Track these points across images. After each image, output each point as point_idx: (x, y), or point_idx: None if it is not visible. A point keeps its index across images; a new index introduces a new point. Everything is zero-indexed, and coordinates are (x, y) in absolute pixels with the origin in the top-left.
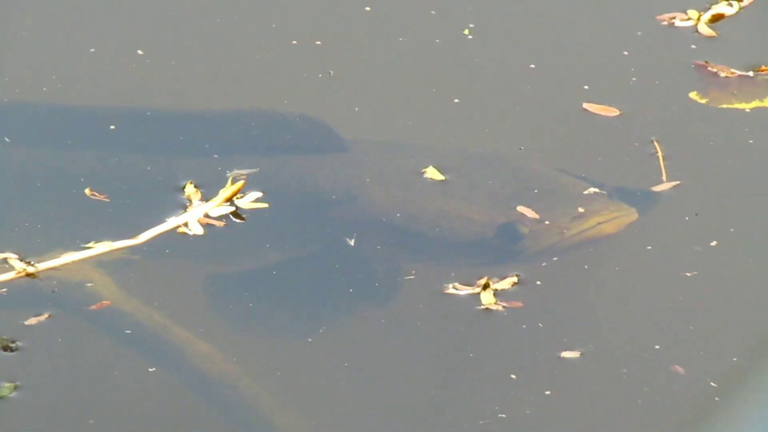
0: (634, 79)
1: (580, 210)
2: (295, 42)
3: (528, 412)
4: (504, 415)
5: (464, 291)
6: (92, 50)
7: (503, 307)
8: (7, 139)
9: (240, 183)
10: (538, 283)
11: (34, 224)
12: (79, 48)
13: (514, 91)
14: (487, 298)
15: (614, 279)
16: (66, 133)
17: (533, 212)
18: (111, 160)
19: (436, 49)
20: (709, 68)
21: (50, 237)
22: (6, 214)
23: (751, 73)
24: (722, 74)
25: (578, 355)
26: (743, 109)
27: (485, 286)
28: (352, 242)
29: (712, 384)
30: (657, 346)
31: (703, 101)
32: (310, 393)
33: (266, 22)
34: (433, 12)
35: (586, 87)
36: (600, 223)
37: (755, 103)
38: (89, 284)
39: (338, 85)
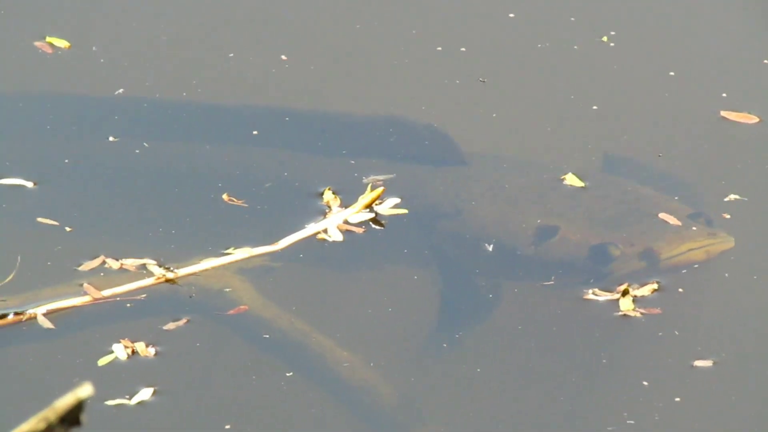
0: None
1: (674, 236)
2: (439, 48)
3: (657, 418)
4: (632, 422)
5: (603, 297)
6: (231, 54)
7: (641, 313)
8: (145, 144)
9: (380, 189)
10: (680, 290)
11: (171, 230)
12: (220, 52)
13: (653, 97)
14: (626, 305)
15: (755, 288)
16: (204, 136)
17: (626, 235)
18: (249, 165)
19: (574, 55)
20: None
21: (187, 243)
22: (143, 219)
23: None
24: None
25: (711, 364)
26: None
27: (624, 293)
28: (490, 248)
29: None
30: None
31: None
32: (448, 399)
33: (409, 27)
34: (572, 18)
35: (724, 95)
36: (691, 250)
37: None
38: (228, 290)
39: (478, 91)
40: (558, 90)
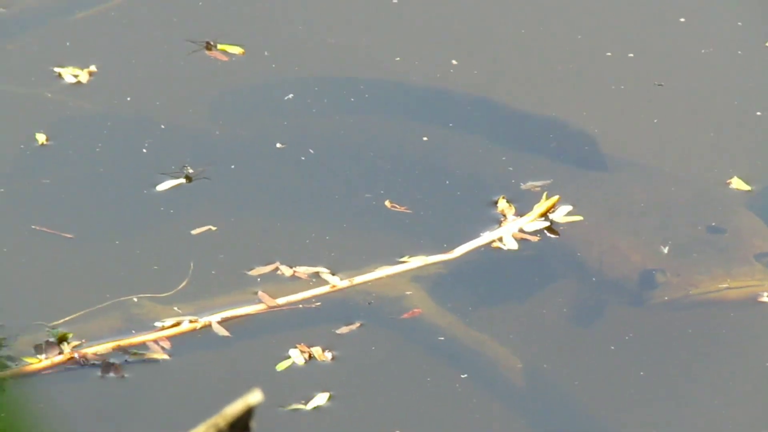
0: None
1: (720, 271)
2: (609, 54)
3: None
4: None
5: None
6: (398, 59)
7: None
8: (311, 151)
9: (555, 198)
10: None
11: (337, 237)
12: (386, 55)
13: None
14: None
15: None
16: (364, 143)
17: (678, 263)
18: (410, 171)
19: (738, 60)
20: None
21: (356, 250)
22: (309, 226)
23: None
24: None
25: None
26: None
27: None
28: (666, 250)
29: None
30: None
31: None
32: (608, 396)
33: (576, 32)
34: (739, 23)
35: None
36: (729, 288)
37: None
38: (404, 297)
39: (642, 96)
40: (722, 96)
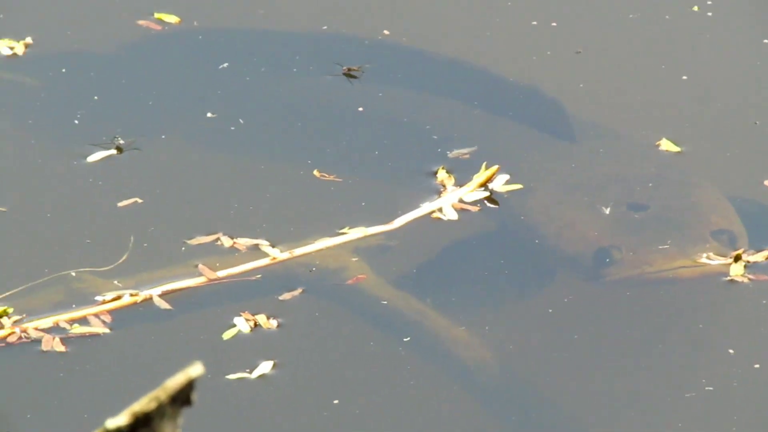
0: None
1: (675, 250)
2: (534, 23)
3: (735, 384)
4: (711, 388)
5: (716, 261)
6: (325, 27)
7: (750, 279)
8: (241, 120)
9: (494, 168)
10: None
11: (271, 208)
12: (315, 26)
13: (748, 67)
14: (736, 270)
15: None
16: (296, 111)
17: (631, 240)
18: (338, 143)
19: (666, 25)
20: None
21: (293, 222)
22: (245, 198)
23: None
24: None
25: None
26: None
27: (737, 258)
28: (607, 211)
29: None
30: None
31: None
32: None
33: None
34: None
35: None
36: (683, 267)
37: None
38: (346, 268)
39: (568, 62)
40: (648, 60)
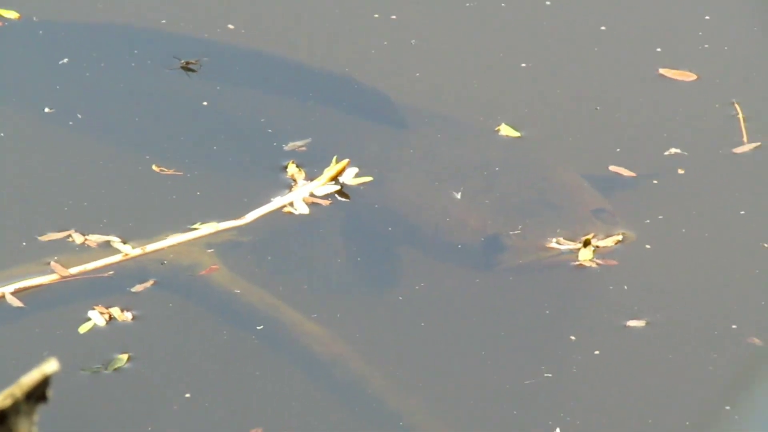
0: (707, 45)
1: (559, 231)
2: (376, 16)
3: (574, 371)
4: (549, 375)
5: (566, 246)
6: (163, 21)
7: (597, 264)
8: (79, 116)
9: (345, 161)
10: (648, 246)
11: (126, 206)
12: (153, 19)
13: (587, 54)
14: (585, 255)
15: (713, 248)
16: (135, 106)
17: (519, 226)
18: (178, 138)
19: (503, 13)
20: None
21: (141, 218)
22: (88, 194)
23: None
24: None
25: (643, 324)
26: None
27: (586, 243)
28: (458, 195)
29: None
30: (734, 326)
31: None
32: (395, 355)
33: None
34: None
35: (659, 50)
36: (579, 247)
37: None
38: (198, 263)
39: (402, 51)
40: (485, 48)
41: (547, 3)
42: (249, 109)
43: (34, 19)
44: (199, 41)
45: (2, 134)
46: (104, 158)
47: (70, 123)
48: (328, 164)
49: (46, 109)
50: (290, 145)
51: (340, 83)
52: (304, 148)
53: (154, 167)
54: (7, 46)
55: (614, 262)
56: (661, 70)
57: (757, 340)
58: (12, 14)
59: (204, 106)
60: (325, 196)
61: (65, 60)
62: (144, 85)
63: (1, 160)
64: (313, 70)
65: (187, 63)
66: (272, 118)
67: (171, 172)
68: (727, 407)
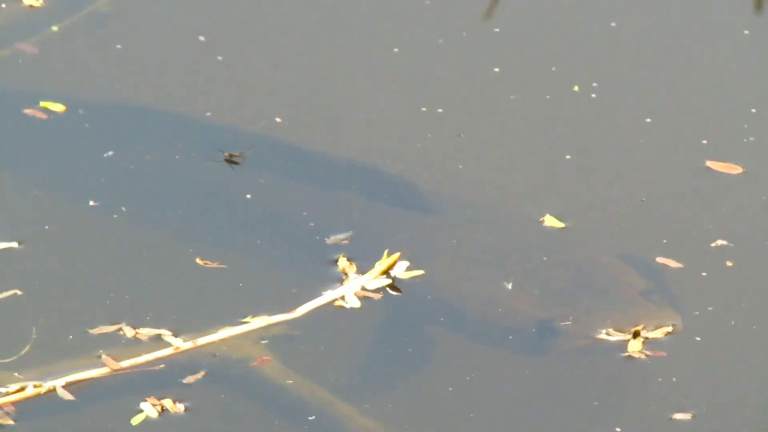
0: (751, 137)
1: (619, 315)
2: (424, 109)
3: None
4: None
5: (615, 337)
6: (208, 114)
7: (646, 355)
8: (123, 208)
9: (396, 255)
10: (698, 338)
11: (174, 299)
12: (198, 111)
13: (632, 146)
14: (634, 346)
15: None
16: (176, 198)
17: (573, 311)
18: (221, 230)
19: (547, 105)
20: None
21: (188, 311)
22: (139, 288)
23: None
24: None
25: (689, 417)
26: None
27: (635, 334)
28: (509, 286)
29: None
30: None
31: None
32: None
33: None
34: (553, 69)
35: (705, 142)
36: (635, 331)
37: None
38: (249, 356)
39: (447, 144)
40: (529, 141)
41: (593, 96)
42: (291, 203)
43: (80, 112)
44: (243, 134)
45: (47, 227)
46: (149, 251)
47: (115, 216)
48: (372, 257)
49: (91, 203)
50: (332, 239)
51: (373, 175)
52: (346, 242)
53: (198, 260)
54: (53, 139)
55: (663, 354)
56: (708, 163)
57: None
58: (58, 107)
59: (247, 198)
60: (377, 290)
61: (110, 153)
62: (188, 177)
63: (49, 252)
64: (347, 162)
65: (231, 156)
66: (314, 212)
67: (215, 265)
68: None
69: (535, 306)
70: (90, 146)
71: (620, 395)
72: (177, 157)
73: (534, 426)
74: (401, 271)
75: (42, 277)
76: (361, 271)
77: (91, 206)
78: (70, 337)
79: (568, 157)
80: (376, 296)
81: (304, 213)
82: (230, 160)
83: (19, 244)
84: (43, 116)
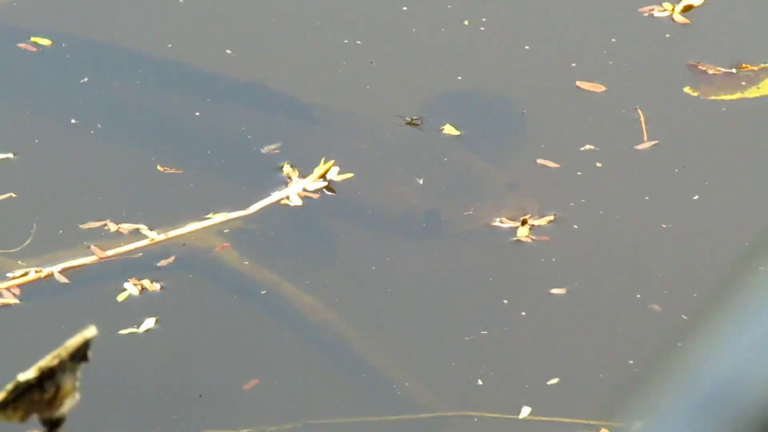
0: (611, 61)
1: (493, 203)
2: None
3: (505, 329)
4: (485, 332)
5: (507, 224)
6: (169, 45)
7: (533, 239)
8: (99, 125)
9: (331, 162)
10: (575, 226)
11: (144, 200)
12: (162, 44)
13: (513, 69)
14: (522, 232)
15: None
16: (143, 117)
17: (455, 202)
18: (177, 143)
19: (442, 36)
20: (700, 67)
21: (159, 210)
22: (118, 190)
23: (734, 70)
24: (710, 71)
25: (564, 292)
26: (727, 100)
27: (524, 222)
28: (420, 181)
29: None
30: (638, 295)
31: (695, 94)
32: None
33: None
34: (449, 6)
35: (573, 65)
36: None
37: (737, 95)
38: (213, 248)
39: (332, 66)
40: (427, 67)
41: (482, 29)
42: (232, 120)
43: (63, 45)
44: (195, 67)
45: (37, 141)
46: (120, 160)
47: (92, 132)
48: (301, 166)
49: (73, 120)
50: (266, 149)
51: (296, 100)
52: (277, 151)
53: (158, 167)
54: (41, 68)
55: (547, 238)
56: (577, 83)
57: (656, 307)
58: (46, 42)
59: (197, 115)
60: (315, 191)
61: (86, 79)
62: (148, 99)
63: (41, 162)
64: (276, 90)
65: (411, 119)
66: (250, 127)
67: (173, 170)
68: (630, 361)
69: (424, 197)
70: (70, 74)
71: (508, 273)
72: (138, 82)
73: (438, 299)
74: (334, 174)
75: (35, 183)
76: (302, 175)
77: (73, 123)
78: (61, 231)
79: (459, 78)
80: (315, 196)
81: (243, 128)
82: (411, 123)
83: (14, 155)
84: (34, 49)
